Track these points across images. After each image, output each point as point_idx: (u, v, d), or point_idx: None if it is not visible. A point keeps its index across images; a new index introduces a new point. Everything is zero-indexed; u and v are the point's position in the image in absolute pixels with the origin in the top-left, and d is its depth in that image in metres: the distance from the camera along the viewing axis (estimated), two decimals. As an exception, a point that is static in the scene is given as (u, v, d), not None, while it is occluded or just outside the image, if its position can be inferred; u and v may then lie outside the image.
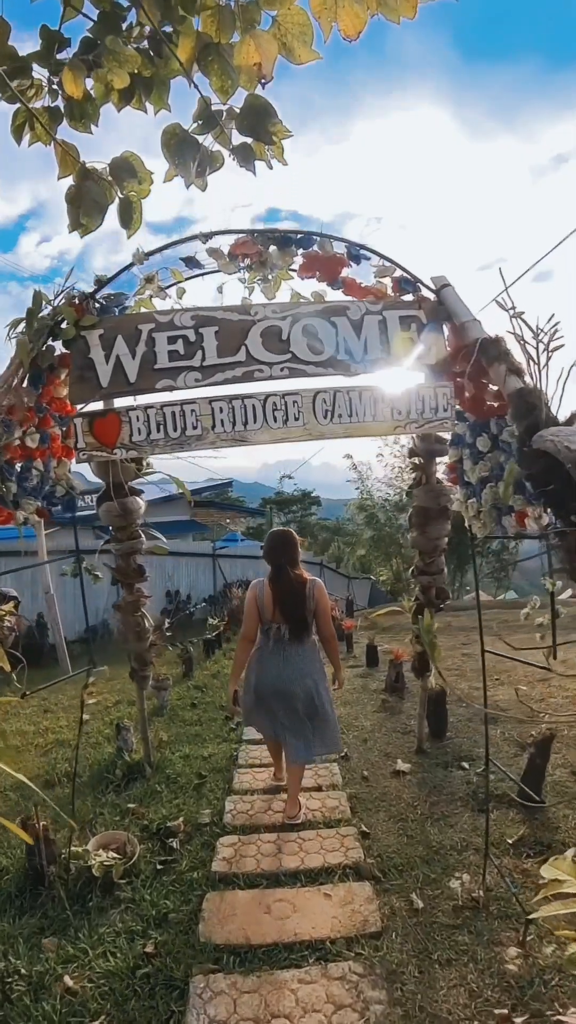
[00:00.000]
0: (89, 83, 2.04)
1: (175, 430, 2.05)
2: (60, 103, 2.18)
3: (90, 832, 3.09)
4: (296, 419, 2.06)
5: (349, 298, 2.16)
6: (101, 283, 2.09)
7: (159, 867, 2.78)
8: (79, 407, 2.03)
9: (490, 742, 4.20)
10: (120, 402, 2.14)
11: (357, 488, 18.31)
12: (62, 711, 5.68)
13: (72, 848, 2.81)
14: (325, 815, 3.02)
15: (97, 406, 2.11)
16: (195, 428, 2.04)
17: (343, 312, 2.12)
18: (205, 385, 2.05)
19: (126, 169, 2.39)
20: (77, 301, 2.01)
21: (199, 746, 4.18)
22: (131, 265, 2.09)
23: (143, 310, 2.19)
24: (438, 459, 2.90)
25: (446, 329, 2.10)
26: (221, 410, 2.05)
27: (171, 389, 2.06)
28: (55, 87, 2.18)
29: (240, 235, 2.05)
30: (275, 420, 2.05)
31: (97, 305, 2.08)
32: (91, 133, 2.43)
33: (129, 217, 2.53)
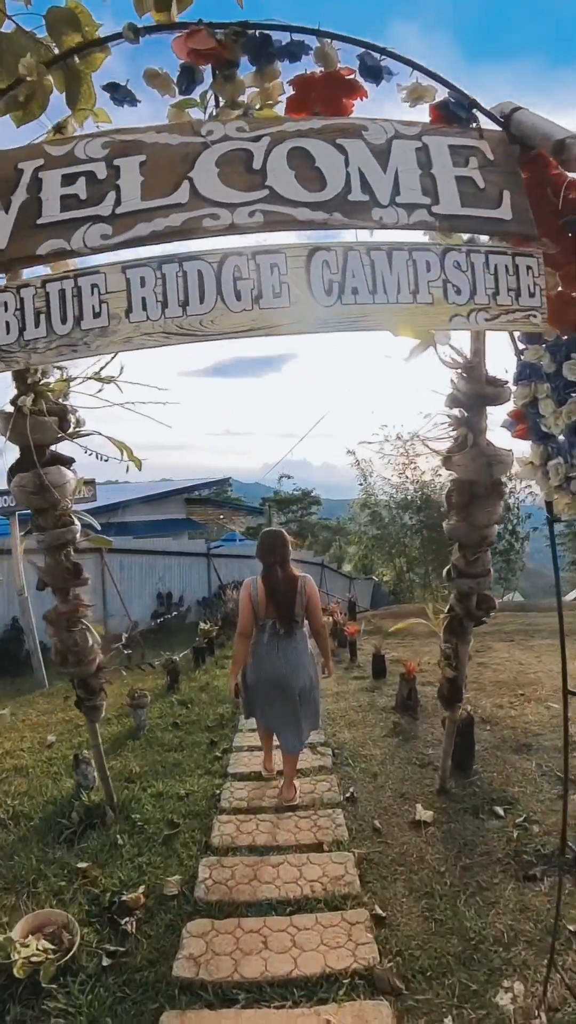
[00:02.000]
0: None
1: (64, 321, 1.25)
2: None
3: (23, 905, 2.41)
4: (276, 295, 1.25)
5: (366, 117, 1.37)
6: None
7: (106, 962, 2.09)
8: None
9: (526, 777, 3.52)
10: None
11: (360, 485, 17.73)
12: (28, 730, 4.99)
13: (-7, 935, 2.13)
14: (327, 889, 2.32)
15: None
16: (98, 316, 1.24)
17: (357, 133, 1.33)
18: (120, 246, 1.27)
19: (67, 20, 1.71)
20: None
21: (176, 780, 3.48)
22: (18, 84, 1.38)
23: None
24: (491, 408, 2.18)
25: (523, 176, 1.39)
26: (143, 282, 1.24)
27: (63, 256, 1.30)
28: None
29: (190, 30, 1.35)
30: (238, 297, 1.24)
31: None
32: (29, 4, 1.74)
33: (75, 92, 1.83)
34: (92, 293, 1.26)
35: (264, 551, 2.93)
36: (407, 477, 16.35)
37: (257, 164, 1.31)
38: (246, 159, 1.31)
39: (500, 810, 2.92)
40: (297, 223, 1.30)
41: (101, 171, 1.29)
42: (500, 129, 1.40)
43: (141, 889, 2.44)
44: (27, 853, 2.82)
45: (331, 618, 9.29)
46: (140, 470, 2.20)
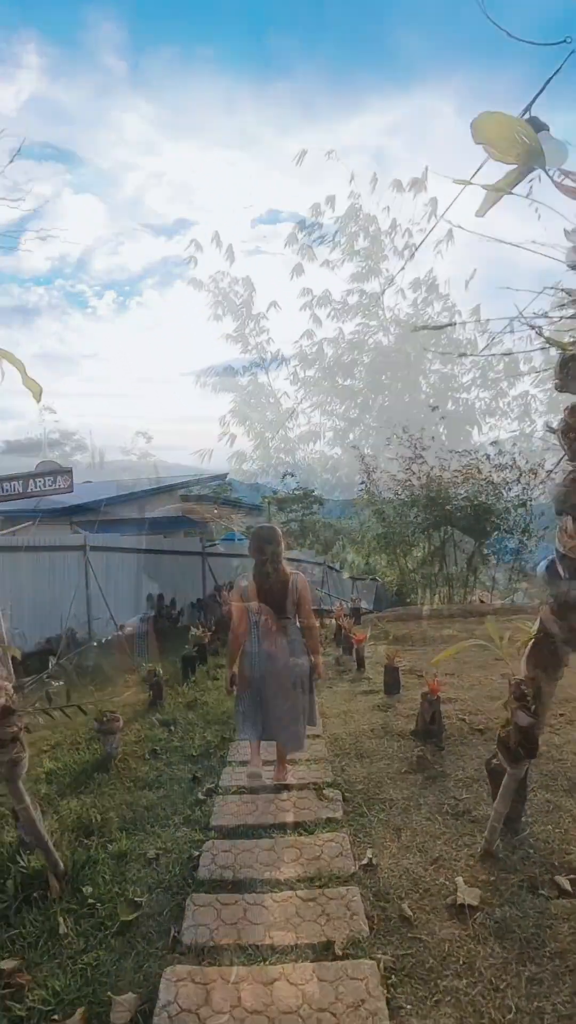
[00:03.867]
0: None
1: None
2: None
3: None
4: None
5: None
6: None
7: None
8: None
9: (588, 831, 2.82)
10: None
11: (362, 483, 17.13)
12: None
13: None
14: (342, 1029, 1.61)
15: None
16: None
17: None
18: None
19: None
20: None
21: (147, 833, 2.77)
22: None
23: None
24: None
25: None
26: None
27: None
28: None
29: None
30: None
31: None
32: None
33: None
34: None
35: (256, 547, 2.97)
36: (412, 471, 15.70)
37: None
38: None
39: (566, 882, 2.21)
40: None
41: None
42: None
43: (79, 1012, 1.75)
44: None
45: (335, 620, 8.59)
46: (39, 401, 1.51)
